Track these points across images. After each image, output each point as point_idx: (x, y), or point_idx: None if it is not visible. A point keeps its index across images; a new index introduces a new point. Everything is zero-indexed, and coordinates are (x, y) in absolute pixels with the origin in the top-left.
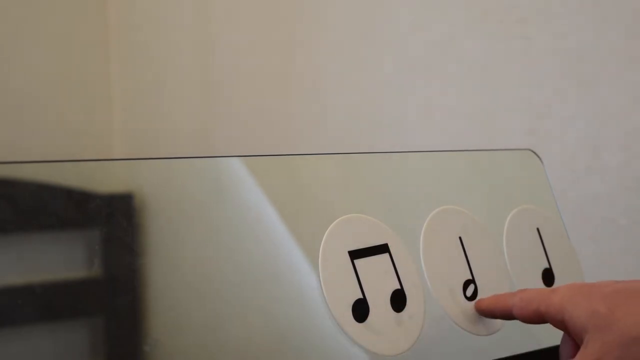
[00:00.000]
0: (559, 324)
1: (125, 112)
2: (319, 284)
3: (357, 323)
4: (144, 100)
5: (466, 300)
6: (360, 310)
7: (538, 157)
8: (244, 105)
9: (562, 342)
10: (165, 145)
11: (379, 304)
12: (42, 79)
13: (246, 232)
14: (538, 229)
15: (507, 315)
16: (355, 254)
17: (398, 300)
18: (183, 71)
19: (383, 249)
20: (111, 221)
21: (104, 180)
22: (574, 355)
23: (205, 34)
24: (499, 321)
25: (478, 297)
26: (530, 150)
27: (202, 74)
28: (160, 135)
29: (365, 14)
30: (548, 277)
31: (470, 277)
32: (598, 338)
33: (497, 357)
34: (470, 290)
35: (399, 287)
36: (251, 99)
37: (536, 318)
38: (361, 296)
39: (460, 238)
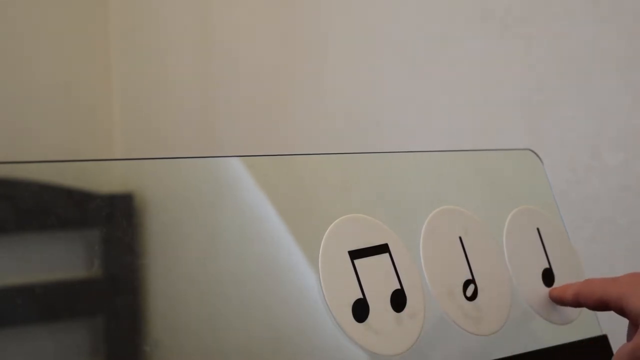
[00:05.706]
0: (620, 311)
1: (125, 112)
2: (318, 284)
3: (357, 323)
4: (144, 100)
5: (466, 300)
6: (360, 310)
7: (538, 157)
8: (244, 105)
9: (628, 326)
10: (165, 145)
11: (379, 304)
12: (42, 79)
13: (246, 232)
14: (538, 229)
15: (576, 304)
16: (355, 254)
17: (398, 300)
18: (183, 71)
19: (383, 249)
20: (111, 221)
21: (104, 180)
22: None
23: (205, 33)
24: (498, 321)
25: (478, 297)
26: (530, 150)
27: (202, 74)
28: (161, 135)
29: (365, 14)
30: (548, 277)
31: (470, 277)
32: None
33: (497, 357)
34: (470, 290)
35: (399, 287)
36: (251, 99)
37: (600, 306)
38: (361, 296)
39: (460, 238)
